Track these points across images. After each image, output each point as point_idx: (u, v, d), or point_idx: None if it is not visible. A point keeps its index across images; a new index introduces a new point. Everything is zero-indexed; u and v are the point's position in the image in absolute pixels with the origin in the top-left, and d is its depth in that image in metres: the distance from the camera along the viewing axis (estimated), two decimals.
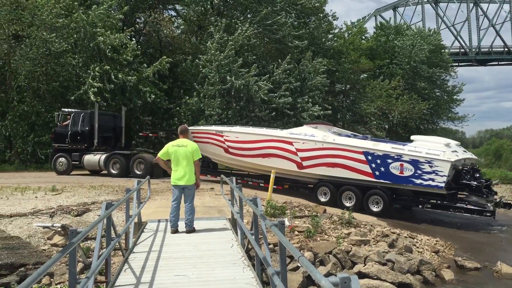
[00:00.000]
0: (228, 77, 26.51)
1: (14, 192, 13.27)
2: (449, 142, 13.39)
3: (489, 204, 12.62)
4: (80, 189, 14.43)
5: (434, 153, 12.44)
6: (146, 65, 27.88)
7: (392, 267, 9.18)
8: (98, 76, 25.38)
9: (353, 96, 34.79)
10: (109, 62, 26.27)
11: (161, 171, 17.75)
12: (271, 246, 8.31)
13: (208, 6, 31.45)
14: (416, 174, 12.62)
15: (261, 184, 16.23)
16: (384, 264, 9.15)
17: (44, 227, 9.06)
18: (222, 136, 16.54)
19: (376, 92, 34.48)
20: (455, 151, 13.08)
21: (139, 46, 29.93)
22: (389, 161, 13.02)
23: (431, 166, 12.42)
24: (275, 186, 14.54)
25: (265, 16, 28.77)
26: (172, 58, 29.26)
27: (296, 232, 10.23)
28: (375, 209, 13.58)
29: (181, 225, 8.37)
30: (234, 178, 9.09)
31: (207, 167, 18.75)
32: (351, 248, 9.74)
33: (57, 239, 8.66)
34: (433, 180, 12.39)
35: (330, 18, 33.76)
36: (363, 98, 33.89)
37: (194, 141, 20.81)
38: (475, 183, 12.78)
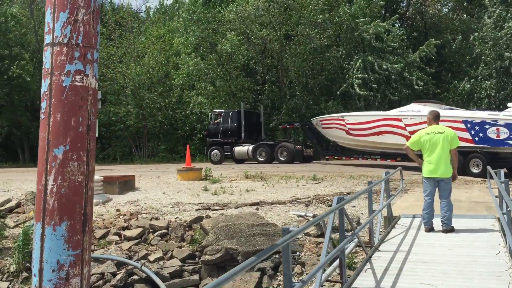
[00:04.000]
0: (506, 54, 22.96)
1: (280, 181, 14.31)
2: None
3: None
4: (340, 179, 14.59)
5: None
6: (411, 50, 26.61)
7: None
8: (362, 67, 25.46)
9: None
10: (372, 51, 26.04)
11: (301, 157, 21.90)
12: None
13: None
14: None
15: (378, 160, 18.82)
16: None
17: (298, 216, 9.35)
18: (343, 120, 18.94)
19: None
20: None
21: (402, 31, 28.84)
22: (486, 126, 14.32)
23: None
24: (389, 160, 18.07)
25: None
26: (439, 39, 27.16)
27: None
28: (475, 171, 14.76)
29: (437, 223, 7.37)
30: (502, 171, 7.47)
31: (335, 150, 21.30)
32: None
33: (310, 228, 8.77)
34: None
35: None
36: None
37: (322, 128, 20.26)
38: None
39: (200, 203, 11.09)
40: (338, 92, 26.69)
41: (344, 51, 27.44)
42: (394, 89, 25.86)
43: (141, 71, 31.77)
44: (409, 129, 15.98)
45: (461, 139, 13.86)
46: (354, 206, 10.19)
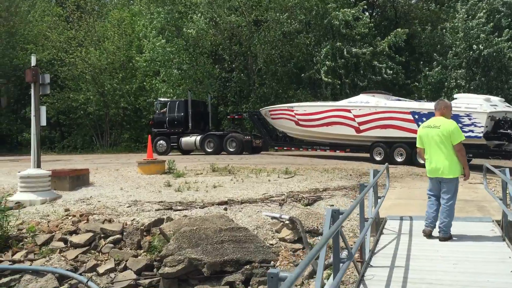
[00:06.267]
0: (475, 46, 22.63)
1: (250, 174, 13.23)
2: (489, 98, 14.28)
3: None
4: (313, 172, 13.65)
5: (472, 106, 13.36)
6: (380, 39, 26.09)
7: None
8: (330, 54, 24.71)
9: None
10: (341, 38, 25.34)
11: (250, 148, 21.52)
12: None
13: None
14: None
15: (327, 151, 18.76)
16: None
17: (272, 218, 8.30)
18: (292, 111, 18.60)
19: None
20: (495, 105, 13.85)
21: (372, 19, 28.22)
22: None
23: (470, 119, 13.35)
24: (338, 151, 18.24)
25: None
26: (409, 28, 26.68)
27: None
28: (421, 161, 13.94)
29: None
30: (508, 170, 6.61)
31: (284, 141, 20.78)
32: None
33: (286, 233, 7.75)
34: (472, 131, 13.31)
35: None
36: None
37: (272, 118, 19.77)
38: None
39: (161, 202, 9.88)
40: (306, 80, 25.92)
41: (313, 38, 26.57)
42: (363, 76, 25.31)
43: (101, 55, 29.93)
44: (358, 120, 16.26)
45: (408, 130, 14.81)
46: (332, 205, 9.22)
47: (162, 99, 24.56)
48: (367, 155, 17.06)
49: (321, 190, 10.81)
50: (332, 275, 4.10)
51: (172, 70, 26.69)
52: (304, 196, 9.79)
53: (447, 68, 24.75)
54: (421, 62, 27.04)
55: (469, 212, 8.09)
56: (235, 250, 7.00)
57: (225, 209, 8.99)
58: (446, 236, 6.17)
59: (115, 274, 7.20)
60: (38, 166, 11.04)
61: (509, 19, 23.73)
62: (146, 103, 30.37)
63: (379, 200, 6.88)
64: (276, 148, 22.64)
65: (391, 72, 25.04)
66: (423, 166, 14.42)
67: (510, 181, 5.99)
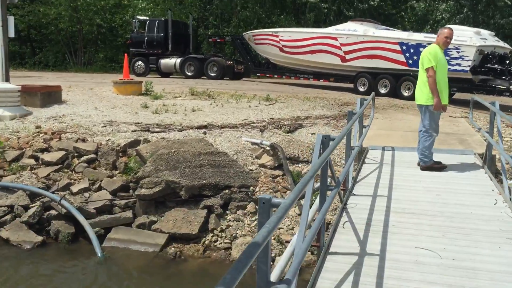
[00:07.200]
0: None
1: (230, 100, 12.90)
2: (479, 31, 13.95)
3: (511, 87, 12.95)
4: (294, 100, 13.41)
5: (462, 39, 12.88)
6: None
7: None
8: None
9: None
10: None
11: (231, 74, 20.79)
12: None
13: None
14: None
15: (311, 79, 18.38)
16: None
17: (253, 143, 8.09)
18: (277, 36, 17.90)
19: None
20: (485, 38, 13.53)
21: None
22: (421, 49, 13.83)
23: (458, 52, 13.10)
24: (321, 80, 17.83)
25: None
26: None
27: None
28: (406, 93, 14.62)
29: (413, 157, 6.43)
30: (497, 102, 6.43)
31: (267, 68, 20.18)
32: None
33: (266, 159, 7.58)
34: (459, 65, 13.12)
35: None
36: None
37: (255, 43, 19.29)
38: (500, 67, 13.18)
39: (138, 123, 9.53)
40: (290, 5, 24.96)
41: None
42: (349, 5, 24.54)
43: None
44: (344, 48, 15.85)
45: (395, 61, 14.72)
46: (314, 134, 9.06)
47: (140, 17, 23.30)
48: (349, 85, 16.81)
49: (302, 118, 10.60)
50: (317, 201, 3.95)
51: None
52: (285, 123, 9.57)
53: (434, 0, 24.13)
54: None
55: (451, 145, 8.04)
56: (214, 174, 6.82)
57: (204, 133, 8.73)
58: (424, 166, 6.11)
59: (89, 194, 6.98)
60: (7, 80, 10.42)
61: None
62: (123, 21, 28.95)
63: (363, 129, 6.69)
64: (258, 74, 22.14)
65: (378, 0, 24.32)
66: (405, 98, 14.48)
67: (500, 112, 5.83)
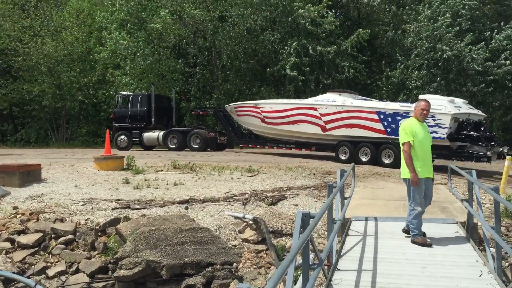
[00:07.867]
0: (438, 45, 23.07)
1: (212, 172, 12.90)
2: (453, 99, 14.47)
3: (488, 153, 13.36)
4: (276, 171, 13.44)
5: (437, 108, 13.18)
6: (343, 38, 26.30)
7: None
8: (295, 52, 24.70)
9: None
10: (307, 36, 25.36)
11: (214, 145, 21.00)
12: None
13: None
14: None
15: (293, 149, 18.51)
16: None
17: (235, 217, 8.01)
18: (259, 108, 18.40)
19: None
20: (459, 106, 14.05)
21: (336, 19, 28.37)
22: (399, 118, 14.35)
23: (434, 120, 13.51)
24: (303, 149, 18.11)
25: None
26: (371, 29, 27.00)
27: None
28: (387, 161, 14.97)
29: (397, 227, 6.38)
30: (474, 171, 6.55)
31: (249, 138, 20.45)
32: None
33: (249, 233, 7.47)
34: (436, 132, 13.44)
35: None
36: None
37: (237, 115, 19.76)
38: (476, 134, 13.66)
39: (119, 200, 9.40)
40: (270, 77, 25.82)
41: (279, 35, 26.46)
42: (327, 74, 25.49)
43: (58, 46, 28.73)
44: (324, 118, 16.27)
45: (374, 130, 15.25)
46: (297, 205, 9.03)
47: (124, 92, 23.75)
48: (330, 153, 17.02)
49: (285, 189, 10.60)
50: (300, 281, 3.86)
51: (137, 62, 25.94)
52: (268, 195, 9.55)
53: (408, 68, 25.17)
54: (383, 63, 27.45)
55: (433, 214, 8.05)
56: (196, 251, 6.66)
57: (186, 208, 8.63)
58: (412, 239, 6.04)
59: (66, 277, 6.72)
60: None
61: (469, 23, 24.29)
62: (105, 97, 29.41)
63: (345, 201, 6.70)
64: (241, 145, 22.31)
65: (353, 71, 25.34)
66: (386, 165, 14.68)
67: (477, 182, 5.92)
